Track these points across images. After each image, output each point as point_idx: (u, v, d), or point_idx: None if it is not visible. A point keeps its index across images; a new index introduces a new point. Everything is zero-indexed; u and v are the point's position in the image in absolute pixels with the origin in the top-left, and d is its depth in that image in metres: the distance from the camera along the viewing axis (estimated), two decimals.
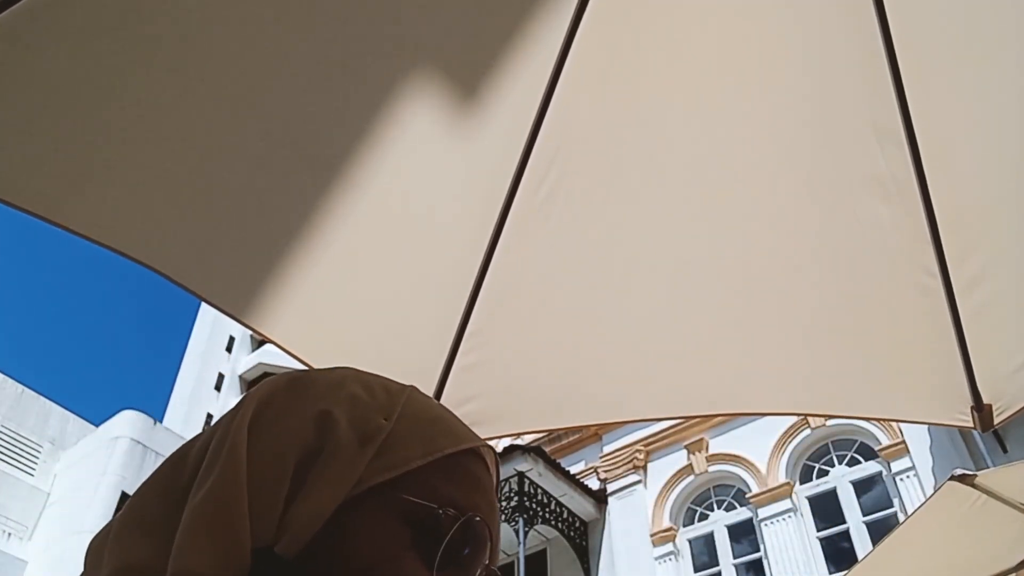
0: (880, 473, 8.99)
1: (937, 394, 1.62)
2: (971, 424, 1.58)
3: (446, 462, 0.54)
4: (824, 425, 9.37)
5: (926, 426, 8.20)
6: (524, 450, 10.11)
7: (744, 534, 9.80)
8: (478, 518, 0.53)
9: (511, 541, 9.83)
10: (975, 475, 3.20)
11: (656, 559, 9.96)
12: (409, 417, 0.55)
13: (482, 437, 0.60)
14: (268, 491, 0.49)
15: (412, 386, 0.60)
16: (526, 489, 10.12)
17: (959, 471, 3.25)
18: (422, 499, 0.52)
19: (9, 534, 17.02)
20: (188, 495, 0.49)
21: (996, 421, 1.56)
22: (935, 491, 3.35)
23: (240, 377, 32.56)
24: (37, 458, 18.46)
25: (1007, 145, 1.48)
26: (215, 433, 0.53)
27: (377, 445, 0.52)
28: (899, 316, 1.61)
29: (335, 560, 0.48)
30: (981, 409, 1.55)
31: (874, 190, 1.52)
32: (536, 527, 10.18)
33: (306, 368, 0.57)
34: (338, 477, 0.50)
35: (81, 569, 0.51)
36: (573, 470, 11.00)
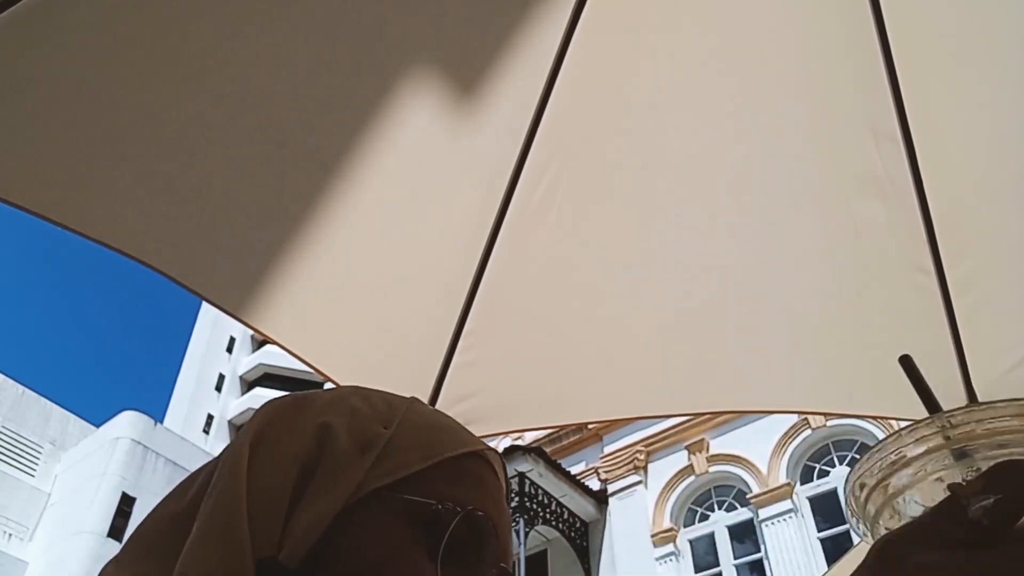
0: None
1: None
2: None
3: (448, 465, 0.55)
4: (825, 426, 9.37)
5: None
6: (525, 451, 10.12)
7: (745, 534, 9.81)
8: (480, 512, 0.54)
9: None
10: None
11: (657, 559, 9.96)
12: (409, 424, 0.56)
13: (481, 435, 0.61)
14: (270, 503, 0.50)
15: (414, 397, 0.61)
16: (527, 490, 10.12)
17: None
18: (423, 498, 0.52)
19: (10, 535, 17.04)
20: (192, 518, 0.50)
21: None
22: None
23: (240, 378, 32.54)
24: (38, 459, 18.49)
25: (1003, 145, 1.49)
26: (221, 457, 0.54)
27: (377, 452, 0.53)
28: (894, 315, 1.62)
29: (339, 563, 0.49)
30: None
31: (870, 190, 1.53)
32: (537, 528, 10.18)
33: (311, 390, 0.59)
34: (337, 484, 0.51)
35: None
36: (574, 471, 11.00)
